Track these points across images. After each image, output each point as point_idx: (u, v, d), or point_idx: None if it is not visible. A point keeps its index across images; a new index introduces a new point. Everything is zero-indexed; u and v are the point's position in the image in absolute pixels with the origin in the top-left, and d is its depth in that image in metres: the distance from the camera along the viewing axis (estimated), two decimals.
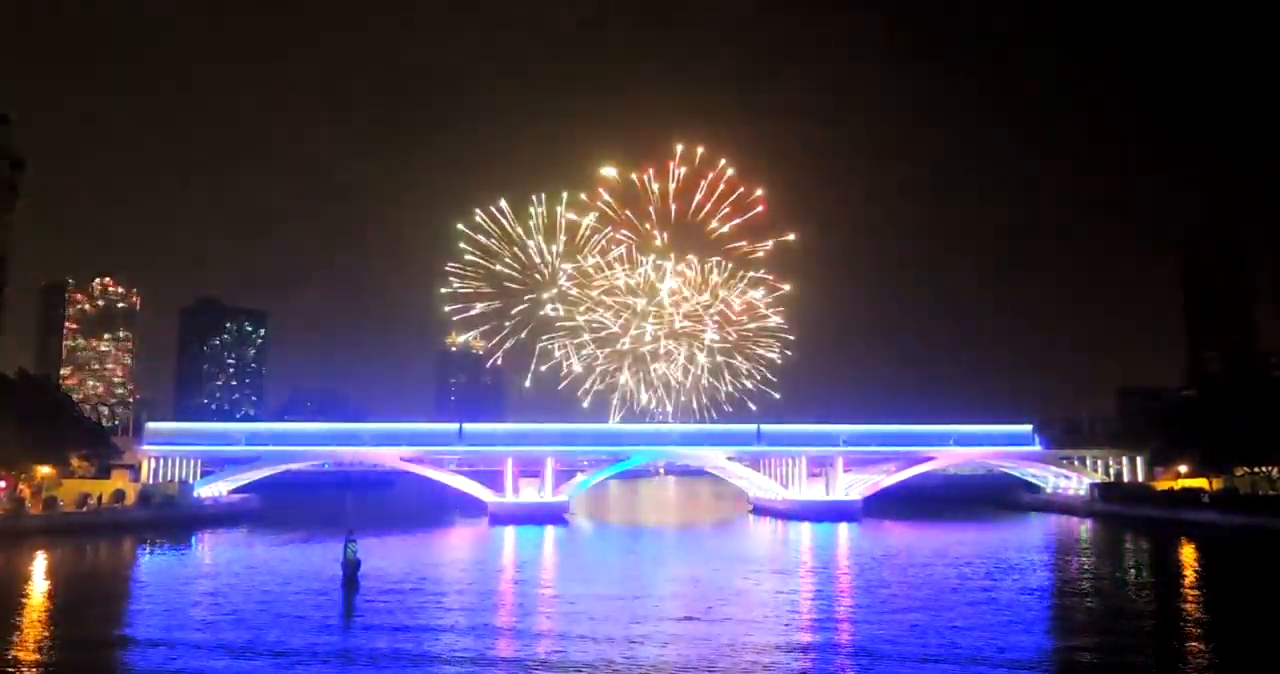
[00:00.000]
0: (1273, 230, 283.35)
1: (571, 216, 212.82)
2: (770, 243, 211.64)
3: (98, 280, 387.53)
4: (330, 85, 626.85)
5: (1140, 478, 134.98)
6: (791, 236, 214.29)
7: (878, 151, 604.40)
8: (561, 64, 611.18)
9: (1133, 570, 75.53)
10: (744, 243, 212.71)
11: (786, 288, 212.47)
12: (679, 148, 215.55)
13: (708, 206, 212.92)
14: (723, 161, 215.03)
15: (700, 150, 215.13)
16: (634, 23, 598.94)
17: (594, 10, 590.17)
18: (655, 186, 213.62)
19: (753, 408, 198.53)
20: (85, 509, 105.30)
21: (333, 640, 42.66)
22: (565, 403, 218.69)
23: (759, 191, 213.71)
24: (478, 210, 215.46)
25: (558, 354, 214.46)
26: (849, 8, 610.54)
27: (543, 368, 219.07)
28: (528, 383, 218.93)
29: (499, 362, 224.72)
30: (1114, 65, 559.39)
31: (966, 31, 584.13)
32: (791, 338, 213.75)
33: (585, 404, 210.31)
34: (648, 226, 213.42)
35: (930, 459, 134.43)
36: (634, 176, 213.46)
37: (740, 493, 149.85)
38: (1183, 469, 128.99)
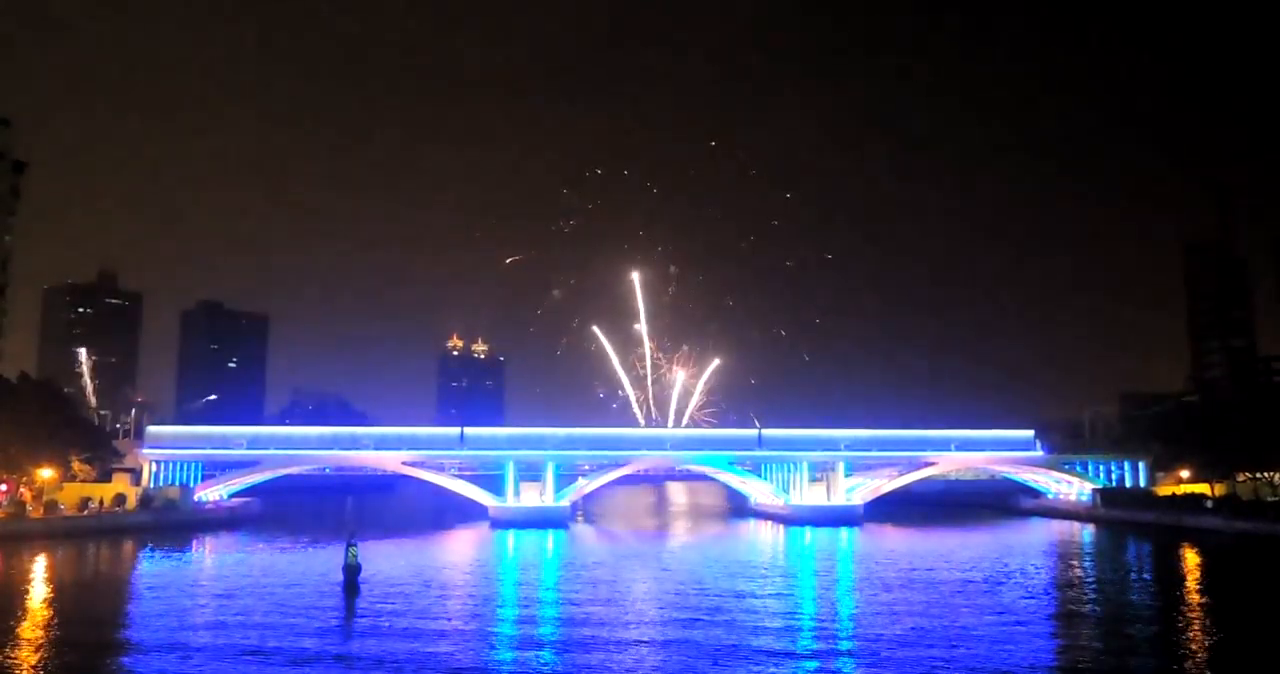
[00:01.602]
0: (1275, 234, 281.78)
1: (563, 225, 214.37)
2: (792, 262, 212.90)
3: (99, 284, 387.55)
4: (332, 87, 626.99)
5: (1142, 483, 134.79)
6: (829, 256, 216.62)
7: (876, 149, 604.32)
8: (571, 75, 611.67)
9: (1135, 576, 75.37)
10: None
11: (817, 321, 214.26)
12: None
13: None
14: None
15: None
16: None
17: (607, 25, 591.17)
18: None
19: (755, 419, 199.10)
20: (86, 513, 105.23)
21: (334, 644, 42.63)
22: (566, 407, 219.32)
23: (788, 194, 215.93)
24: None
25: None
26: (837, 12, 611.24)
27: (537, 388, 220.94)
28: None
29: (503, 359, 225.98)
30: (1115, 67, 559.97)
31: (966, 27, 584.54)
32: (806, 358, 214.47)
33: (586, 410, 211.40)
34: (641, 232, 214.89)
35: (931, 464, 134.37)
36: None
37: (741, 498, 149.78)
38: (1184, 474, 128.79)
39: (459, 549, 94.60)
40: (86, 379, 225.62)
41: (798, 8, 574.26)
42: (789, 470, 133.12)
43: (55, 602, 57.26)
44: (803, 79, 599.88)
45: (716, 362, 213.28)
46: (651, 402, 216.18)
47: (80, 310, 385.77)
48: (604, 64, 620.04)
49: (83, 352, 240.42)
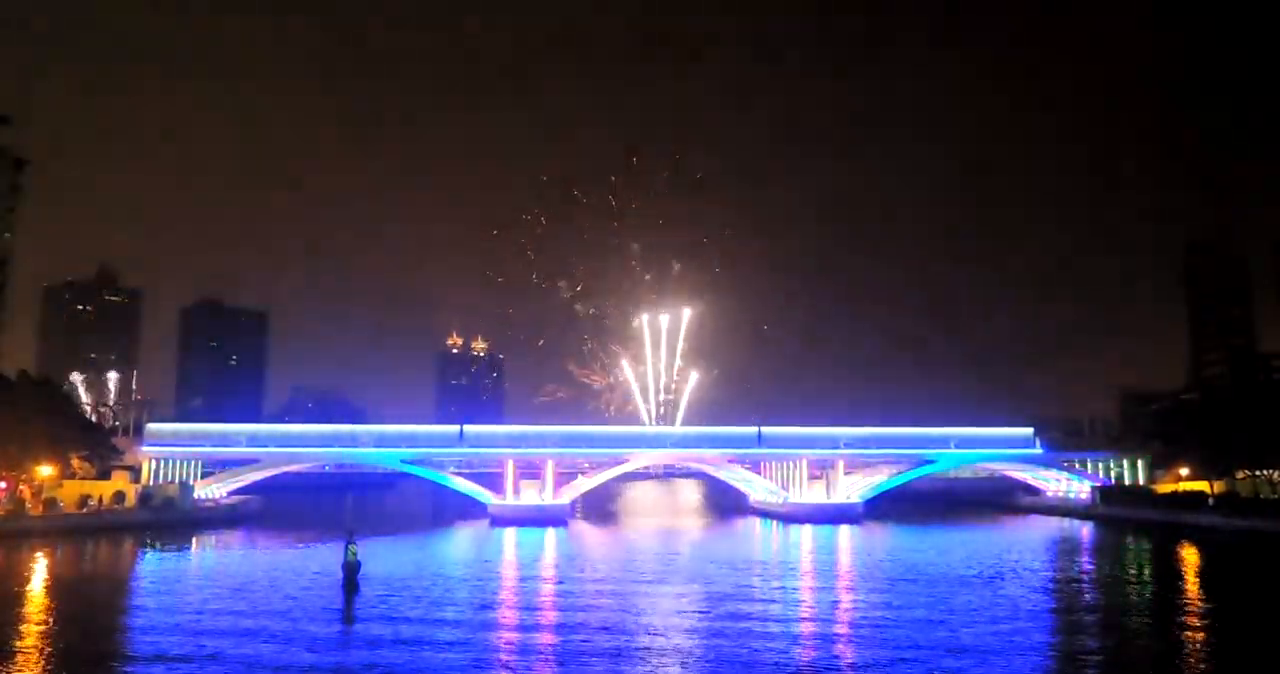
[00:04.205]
0: (1275, 232, 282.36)
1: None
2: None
3: (99, 281, 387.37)
4: (332, 86, 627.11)
5: (1141, 481, 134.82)
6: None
7: (874, 149, 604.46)
8: (563, 65, 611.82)
9: (1134, 573, 75.39)
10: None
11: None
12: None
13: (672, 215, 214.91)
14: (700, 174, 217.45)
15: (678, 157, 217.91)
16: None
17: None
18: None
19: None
20: (85, 510, 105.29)
21: (333, 643, 42.62)
22: (567, 405, 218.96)
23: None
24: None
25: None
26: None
27: (544, 394, 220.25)
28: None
29: (499, 367, 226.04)
30: (1114, 65, 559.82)
31: (966, 23, 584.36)
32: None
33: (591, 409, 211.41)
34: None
35: (931, 462, 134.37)
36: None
37: (740, 495, 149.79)
38: (1184, 472, 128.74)
39: (459, 547, 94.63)
40: (82, 390, 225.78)
41: (795, 10, 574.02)
42: (789, 468, 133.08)
43: (55, 600, 57.25)
44: (797, 77, 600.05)
45: (695, 376, 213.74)
46: (653, 399, 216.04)
47: (80, 308, 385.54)
48: (611, 68, 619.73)
49: (76, 355, 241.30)
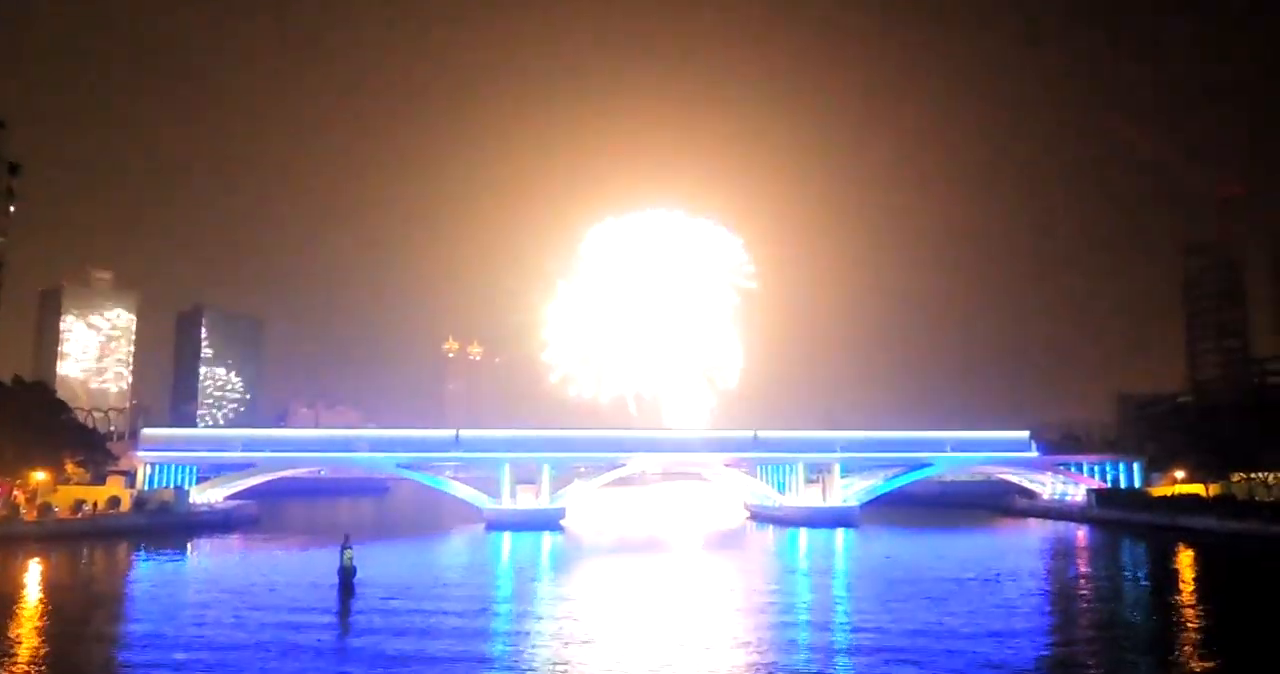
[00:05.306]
0: (1272, 237, 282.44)
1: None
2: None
3: (94, 285, 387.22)
4: (333, 93, 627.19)
5: (1137, 484, 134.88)
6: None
7: (873, 151, 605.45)
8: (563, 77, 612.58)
9: (1130, 576, 75.43)
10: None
11: None
12: None
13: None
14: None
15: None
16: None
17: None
18: None
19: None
20: (80, 515, 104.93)
21: (329, 647, 42.52)
22: (564, 409, 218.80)
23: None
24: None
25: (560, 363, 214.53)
26: None
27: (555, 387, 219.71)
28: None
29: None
30: (1113, 67, 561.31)
31: (965, 19, 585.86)
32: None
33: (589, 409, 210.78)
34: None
35: (927, 465, 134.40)
36: None
37: (737, 499, 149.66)
38: (1179, 475, 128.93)
39: (455, 551, 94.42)
40: (78, 395, 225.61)
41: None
42: (785, 472, 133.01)
43: (50, 604, 57.05)
44: (810, 89, 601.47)
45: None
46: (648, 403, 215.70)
47: (77, 312, 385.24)
48: (609, 68, 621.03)
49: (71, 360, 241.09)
